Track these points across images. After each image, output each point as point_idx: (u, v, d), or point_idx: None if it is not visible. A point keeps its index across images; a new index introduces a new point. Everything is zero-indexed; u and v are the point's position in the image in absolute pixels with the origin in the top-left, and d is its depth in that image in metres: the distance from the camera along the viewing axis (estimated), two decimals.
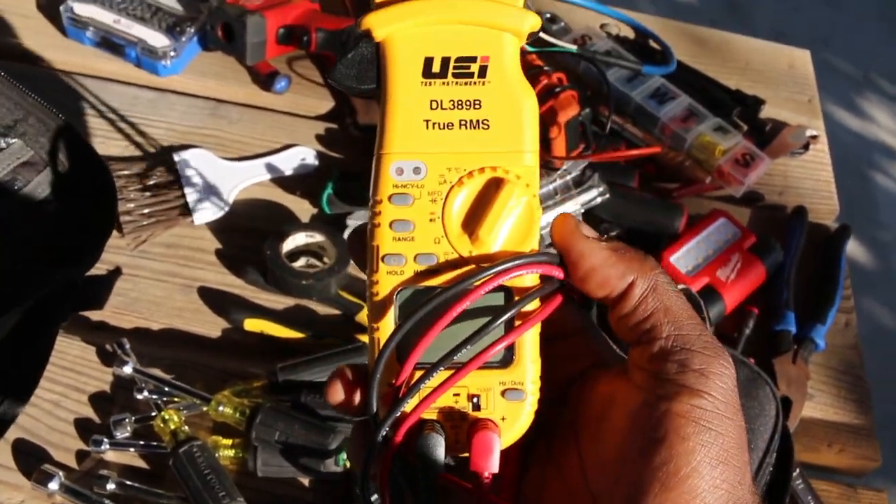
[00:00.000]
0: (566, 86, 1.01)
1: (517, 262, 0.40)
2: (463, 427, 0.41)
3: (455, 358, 0.39)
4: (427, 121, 0.41)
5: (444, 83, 0.41)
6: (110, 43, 1.13)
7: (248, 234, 0.99)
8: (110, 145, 1.05)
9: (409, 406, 0.40)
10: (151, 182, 1.00)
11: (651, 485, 0.36)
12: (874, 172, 2.64)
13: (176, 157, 1.03)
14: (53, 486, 0.78)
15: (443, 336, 0.39)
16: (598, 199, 0.99)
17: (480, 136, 0.41)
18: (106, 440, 0.81)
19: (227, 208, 1.01)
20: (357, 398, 0.41)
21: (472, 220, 0.40)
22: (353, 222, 0.98)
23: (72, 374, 0.87)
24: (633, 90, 1.16)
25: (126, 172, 1.00)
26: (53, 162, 0.78)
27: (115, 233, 0.96)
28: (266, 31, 1.10)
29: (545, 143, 0.99)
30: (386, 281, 0.41)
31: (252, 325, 0.90)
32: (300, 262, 0.97)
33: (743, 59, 1.34)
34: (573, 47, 1.14)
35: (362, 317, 0.92)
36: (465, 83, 0.41)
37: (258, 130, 1.10)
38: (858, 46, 2.98)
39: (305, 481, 0.83)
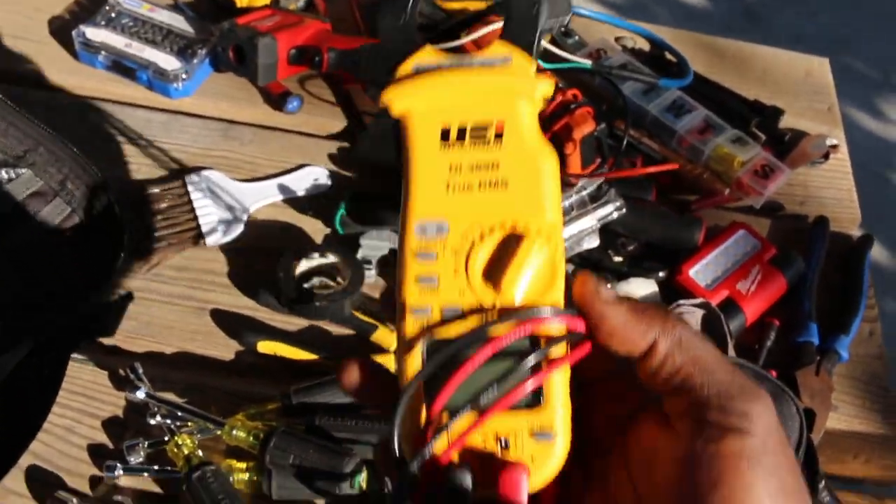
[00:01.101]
0: (581, 102, 1.00)
1: (541, 313, 0.40)
2: (492, 468, 0.40)
3: (482, 402, 0.40)
4: (447, 184, 0.42)
5: (461, 147, 0.42)
6: (122, 67, 1.13)
7: (261, 256, 0.98)
8: (122, 169, 1.05)
9: (437, 448, 0.39)
10: (163, 205, 1.00)
11: None
12: (895, 174, 2.61)
13: (188, 180, 1.02)
14: None
15: (469, 381, 0.40)
16: (615, 214, 0.98)
17: (500, 196, 0.42)
18: (119, 465, 0.81)
19: (239, 230, 1.00)
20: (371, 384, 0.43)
21: (495, 272, 0.41)
22: (366, 242, 0.98)
23: (84, 399, 0.87)
24: (649, 103, 1.15)
25: (138, 196, 1.00)
26: (63, 191, 0.78)
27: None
28: (277, 53, 1.10)
29: (560, 160, 0.98)
30: (412, 330, 0.41)
31: (265, 347, 0.90)
32: (313, 283, 0.96)
33: (760, 68, 1.32)
34: (588, 63, 1.13)
35: (377, 337, 0.91)
36: (483, 147, 0.42)
37: (270, 151, 1.10)
38: (878, 49, 2.95)
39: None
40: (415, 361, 0.41)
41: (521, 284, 0.41)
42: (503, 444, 0.40)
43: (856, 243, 1.10)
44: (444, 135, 0.43)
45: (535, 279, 0.41)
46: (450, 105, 0.43)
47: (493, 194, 0.42)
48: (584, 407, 0.42)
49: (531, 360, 0.40)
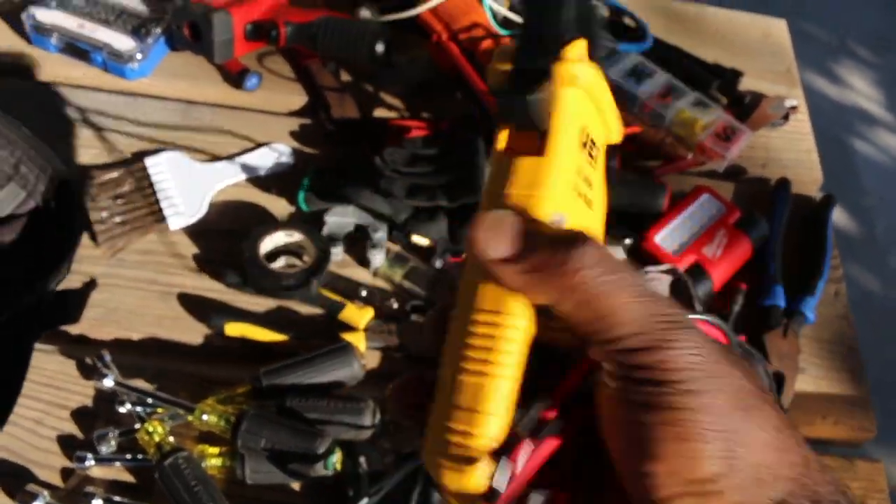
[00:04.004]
0: None
1: None
2: None
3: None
4: (574, 184, 0.41)
5: (583, 155, 0.42)
6: (75, 48, 1.11)
7: (226, 237, 0.97)
8: (80, 153, 1.03)
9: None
10: (124, 189, 0.98)
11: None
12: (853, 139, 2.64)
13: (148, 162, 1.01)
14: None
15: None
16: None
17: (587, 213, 0.42)
18: (90, 456, 0.80)
19: (202, 212, 0.99)
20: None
21: None
22: (331, 219, 0.97)
23: (52, 389, 0.85)
24: (609, 69, 1.14)
25: (98, 181, 0.98)
26: (17, 176, 0.76)
27: (89, 243, 0.95)
28: (233, 28, 1.08)
29: None
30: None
31: (233, 329, 0.89)
32: (280, 263, 0.95)
33: (719, 31, 1.32)
34: None
35: (345, 315, 0.91)
36: (590, 162, 0.42)
37: (231, 130, 1.08)
38: (834, 13, 2.97)
39: (296, 486, 0.81)
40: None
41: None
42: None
43: (818, 204, 1.10)
44: (581, 134, 0.41)
45: None
46: (588, 107, 0.42)
47: (585, 210, 0.41)
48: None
49: None
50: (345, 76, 1.15)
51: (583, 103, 0.41)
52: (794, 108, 1.20)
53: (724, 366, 0.35)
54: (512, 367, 0.37)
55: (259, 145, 1.06)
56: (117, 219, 0.96)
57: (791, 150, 1.18)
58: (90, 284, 0.91)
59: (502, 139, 0.42)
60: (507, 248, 0.37)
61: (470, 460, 0.37)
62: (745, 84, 1.21)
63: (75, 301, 0.86)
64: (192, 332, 0.91)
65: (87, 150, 1.03)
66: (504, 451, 0.37)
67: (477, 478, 0.37)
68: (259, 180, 1.03)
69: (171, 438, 0.81)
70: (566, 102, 0.40)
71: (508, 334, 0.38)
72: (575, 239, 0.36)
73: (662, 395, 0.34)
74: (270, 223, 0.98)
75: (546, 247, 0.36)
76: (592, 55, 0.42)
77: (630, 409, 0.35)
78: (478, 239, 0.37)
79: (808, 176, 1.15)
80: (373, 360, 0.90)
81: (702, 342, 0.35)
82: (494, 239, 0.37)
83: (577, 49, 0.41)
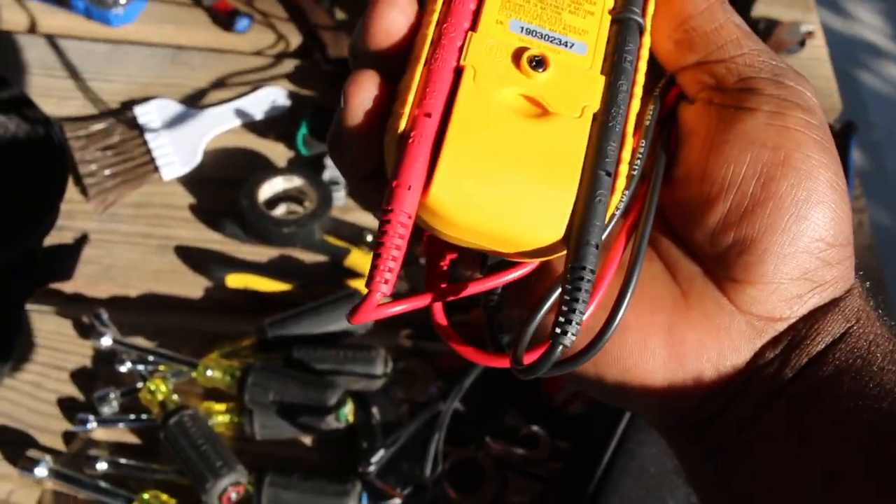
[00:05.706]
0: None
1: None
2: None
3: None
4: None
5: None
6: None
7: (222, 186, 0.93)
8: (66, 105, 0.98)
9: None
10: (114, 140, 0.94)
11: (782, 214, 0.31)
12: (860, 72, 2.57)
13: (137, 111, 0.96)
14: (41, 472, 0.73)
15: None
16: None
17: None
18: (92, 418, 0.76)
19: (197, 160, 0.94)
20: None
21: None
22: (331, 162, 0.92)
23: (49, 351, 0.82)
24: None
25: (85, 132, 0.94)
26: None
27: (80, 198, 0.91)
28: None
29: None
30: None
31: (235, 280, 0.85)
32: (280, 210, 0.91)
33: None
34: None
35: (351, 261, 0.87)
36: None
37: (223, 75, 1.03)
38: None
39: (307, 440, 0.78)
40: None
41: None
42: None
43: (837, 132, 1.05)
44: None
45: None
46: None
47: None
48: None
49: None
50: (340, 13, 1.10)
51: None
52: (809, 33, 1.15)
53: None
54: None
55: (253, 89, 1.01)
56: (108, 171, 0.92)
57: (808, 77, 1.12)
58: (82, 239, 0.87)
59: None
60: None
61: None
62: (759, 10, 1.16)
63: (68, 256, 0.82)
64: (192, 286, 0.87)
65: (72, 102, 0.99)
66: None
67: None
68: (255, 126, 0.99)
69: (175, 397, 0.77)
70: None
71: None
72: None
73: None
74: (268, 169, 0.93)
75: None
76: None
77: (756, 120, 0.32)
78: None
79: (826, 104, 1.10)
80: None
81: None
82: None
83: None
